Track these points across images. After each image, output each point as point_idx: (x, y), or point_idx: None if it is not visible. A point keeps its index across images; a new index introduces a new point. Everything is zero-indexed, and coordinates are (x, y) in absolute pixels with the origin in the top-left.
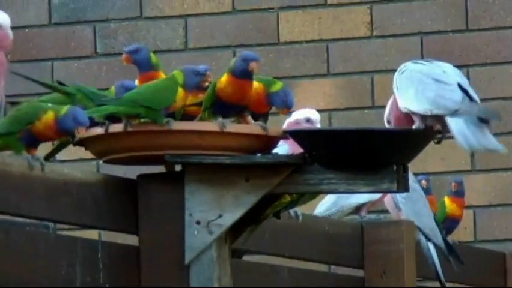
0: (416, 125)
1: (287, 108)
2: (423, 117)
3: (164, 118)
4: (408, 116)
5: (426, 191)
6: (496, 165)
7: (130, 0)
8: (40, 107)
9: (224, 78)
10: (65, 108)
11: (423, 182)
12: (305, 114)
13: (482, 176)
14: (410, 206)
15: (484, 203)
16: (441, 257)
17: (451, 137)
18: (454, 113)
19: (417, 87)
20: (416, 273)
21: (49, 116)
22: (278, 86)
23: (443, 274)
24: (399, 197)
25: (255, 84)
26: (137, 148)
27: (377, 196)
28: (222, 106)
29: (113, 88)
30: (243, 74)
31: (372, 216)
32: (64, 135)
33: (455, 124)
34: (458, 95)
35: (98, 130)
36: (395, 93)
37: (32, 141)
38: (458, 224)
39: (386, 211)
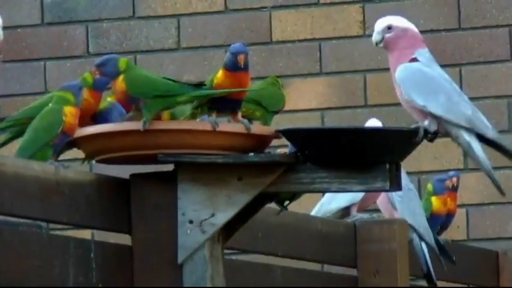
0: (425, 124)
1: None
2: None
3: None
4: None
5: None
6: None
7: (122, 0)
8: (56, 109)
9: (220, 74)
10: (68, 93)
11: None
12: None
13: (475, 175)
14: (406, 205)
15: (477, 202)
16: (433, 257)
17: (443, 136)
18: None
19: (444, 96)
20: (409, 272)
21: (71, 110)
22: None
23: (436, 273)
24: (396, 196)
25: None
26: (129, 148)
27: (358, 198)
28: (220, 101)
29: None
30: (234, 67)
31: (365, 215)
32: (87, 110)
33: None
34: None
35: (90, 129)
36: (399, 84)
37: (64, 141)
38: (453, 219)
39: (379, 210)
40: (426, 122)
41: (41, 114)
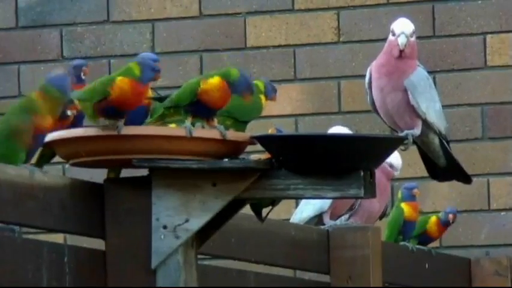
0: (414, 131)
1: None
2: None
3: None
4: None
5: (414, 198)
6: None
7: (97, 4)
8: (21, 117)
9: (215, 82)
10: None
11: (415, 190)
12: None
13: (447, 182)
14: None
15: None
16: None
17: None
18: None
19: (439, 104)
20: (382, 278)
21: (47, 120)
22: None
23: (410, 279)
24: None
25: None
26: (105, 152)
27: (326, 206)
28: (200, 108)
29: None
30: (242, 90)
31: (338, 222)
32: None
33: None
34: None
35: (65, 133)
36: (412, 91)
37: (38, 142)
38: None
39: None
40: (415, 129)
41: (8, 119)
